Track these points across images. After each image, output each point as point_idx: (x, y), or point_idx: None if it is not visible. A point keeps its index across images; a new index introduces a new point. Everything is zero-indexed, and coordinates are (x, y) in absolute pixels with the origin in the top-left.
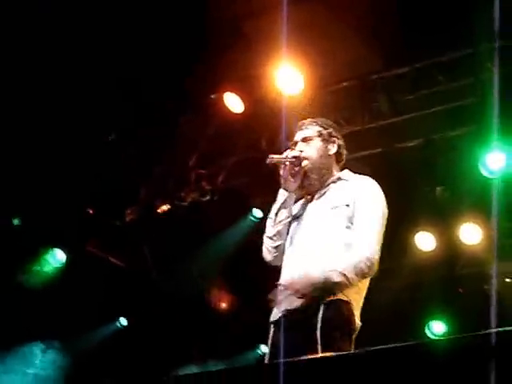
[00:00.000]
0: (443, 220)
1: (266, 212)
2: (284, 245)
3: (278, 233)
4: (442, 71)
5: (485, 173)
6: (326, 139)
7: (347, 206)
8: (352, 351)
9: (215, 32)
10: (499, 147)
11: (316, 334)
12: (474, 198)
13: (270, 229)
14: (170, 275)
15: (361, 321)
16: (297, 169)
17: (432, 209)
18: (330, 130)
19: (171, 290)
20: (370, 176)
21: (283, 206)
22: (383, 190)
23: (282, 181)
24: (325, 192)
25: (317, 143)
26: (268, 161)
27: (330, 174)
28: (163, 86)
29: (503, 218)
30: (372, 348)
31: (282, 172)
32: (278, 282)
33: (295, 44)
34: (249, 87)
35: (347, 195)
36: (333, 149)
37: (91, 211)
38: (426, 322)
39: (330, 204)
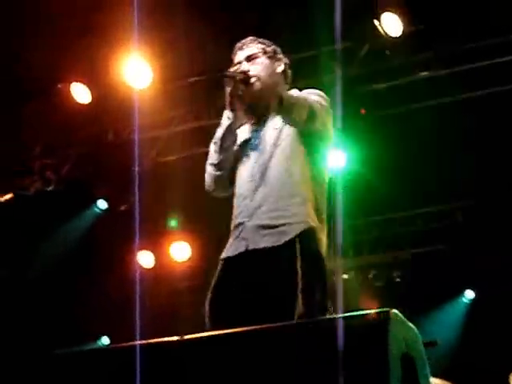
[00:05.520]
0: None
1: (111, 203)
2: (227, 175)
3: (223, 160)
4: None
5: None
6: (272, 56)
7: None
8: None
9: (65, 22)
10: (340, 147)
11: (296, 270)
12: None
13: (214, 155)
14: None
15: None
16: (245, 87)
17: None
18: (274, 46)
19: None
20: None
21: (229, 130)
22: None
23: (229, 100)
24: (274, 114)
25: (263, 60)
26: (223, 75)
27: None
28: (8, 71)
29: (344, 215)
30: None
31: (228, 90)
32: (237, 215)
33: (145, 38)
34: (97, 78)
35: None
36: (280, 67)
37: None
38: None
39: (276, 124)
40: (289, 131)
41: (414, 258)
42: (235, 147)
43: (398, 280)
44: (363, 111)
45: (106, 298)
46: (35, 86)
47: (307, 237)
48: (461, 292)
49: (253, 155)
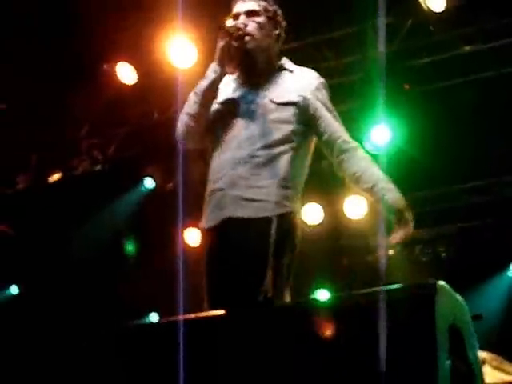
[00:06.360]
0: (329, 193)
1: (158, 182)
2: (202, 129)
3: (201, 113)
4: (330, 47)
5: (369, 147)
6: (272, 17)
7: (295, 103)
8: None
9: (110, 2)
10: (384, 123)
11: (268, 246)
12: None
13: (193, 106)
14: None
15: None
16: (237, 44)
17: (318, 182)
18: (275, 7)
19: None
20: None
21: (213, 84)
22: None
23: (219, 54)
24: (268, 81)
25: (262, 20)
26: (223, 27)
27: (275, 58)
28: (54, 54)
29: None
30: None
31: (220, 44)
32: (215, 183)
33: (189, 17)
34: (142, 58)
35: (296, 91)
36: (277, 30)
37: None
38: (312, 290)
39: (275, 98)
40: (291, 113)
41: (459, 232)
42: (218, 104)
43: (444, 255)
44: (407, 86)
45: (155, 275)
46: (82, 67)
47: (284, 219)
48: (507, 266)
49: (244, 121)
